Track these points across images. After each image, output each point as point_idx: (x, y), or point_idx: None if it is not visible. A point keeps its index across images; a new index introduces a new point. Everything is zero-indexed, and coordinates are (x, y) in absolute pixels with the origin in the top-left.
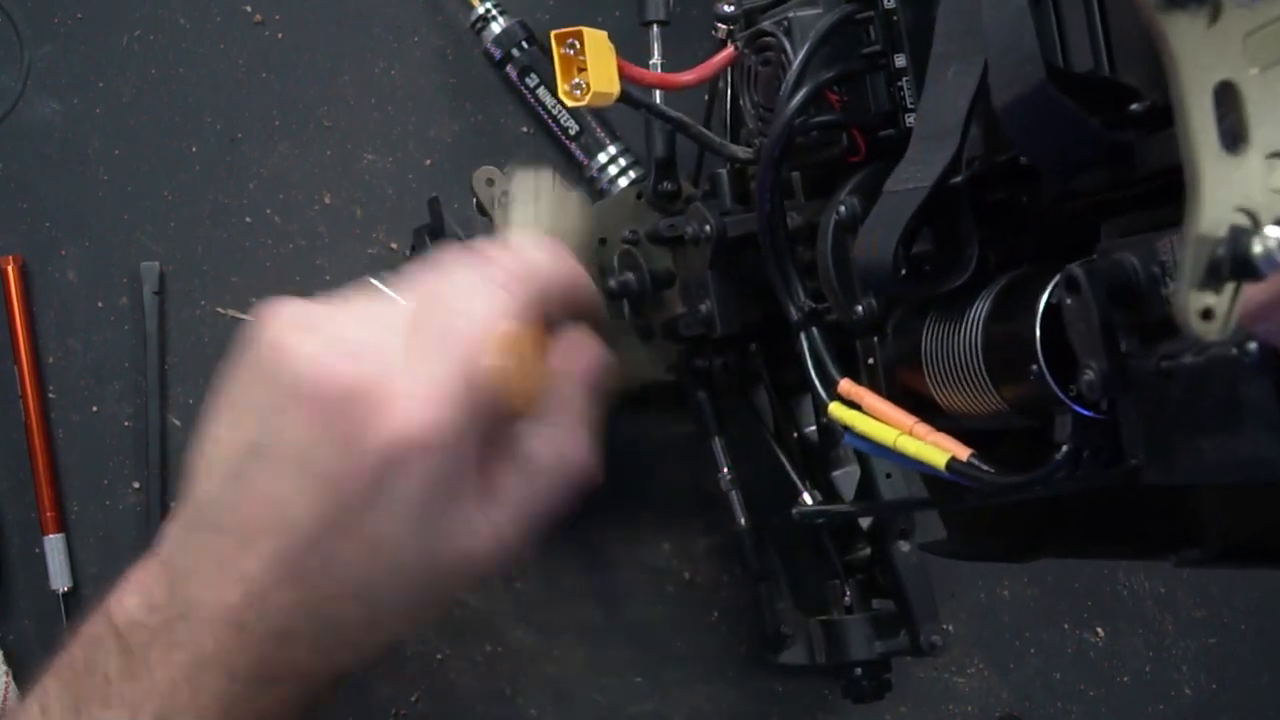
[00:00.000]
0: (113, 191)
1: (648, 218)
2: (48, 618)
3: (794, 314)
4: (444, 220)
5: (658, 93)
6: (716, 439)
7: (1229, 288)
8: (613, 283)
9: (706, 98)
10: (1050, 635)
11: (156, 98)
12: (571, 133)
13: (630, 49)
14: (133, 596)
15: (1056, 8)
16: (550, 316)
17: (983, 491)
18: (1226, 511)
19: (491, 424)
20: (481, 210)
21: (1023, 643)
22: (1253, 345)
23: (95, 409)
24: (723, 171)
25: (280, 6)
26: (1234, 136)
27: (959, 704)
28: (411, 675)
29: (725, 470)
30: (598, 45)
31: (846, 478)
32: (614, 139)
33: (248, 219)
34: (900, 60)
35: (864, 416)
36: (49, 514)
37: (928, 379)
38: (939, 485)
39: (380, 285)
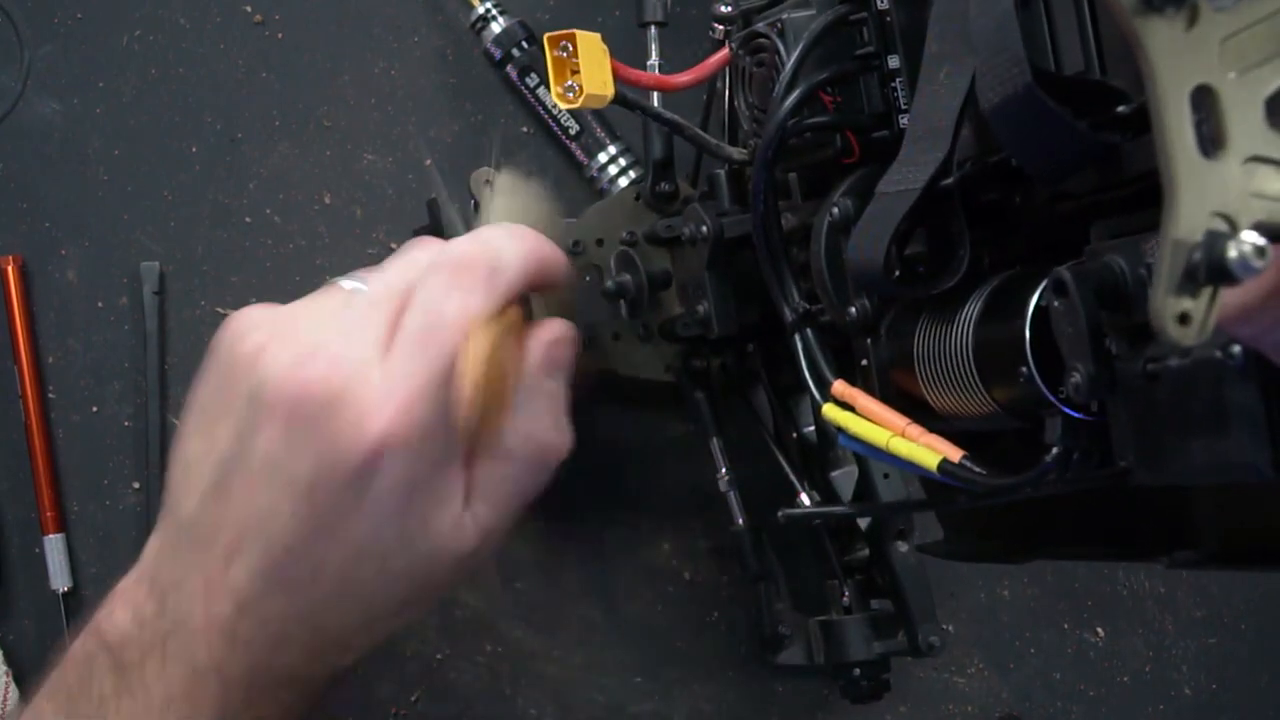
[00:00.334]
0: (113, 191)
1: (646, 219)
2: (48, 618)
3: (788, 315)
4: (443, 220)
5: (655, 94)
6: (715, 439)
7: (1205, 293)
8: (610, 283)
9: (705, 98)
10: (1050, 635)
11: (156, 98)
12: (572, 133)
13: (629, 49)
14: (122, 613)
15: (1047, 9)
16: (522, 297)
17: (975, 493)
18: (1220, 513)
19: (465, 423)
20: (480, 211)
21: (1023, 643)
22: (1236, 348)
23: (95, 409)
24: (720, 172)
25: (280, 6)
26: (1211, 141)
27: (959, 704)
28: (411, 675)
29: (723, 470)
30: (591, 48)
31: (845, 478)
32: (614, 139)
33: (248, 219)
34: (894, 61)
35: (857, 418)
36: (49, 514)
37: (920, 380)
38: (935, 486)
39: (348, 283)
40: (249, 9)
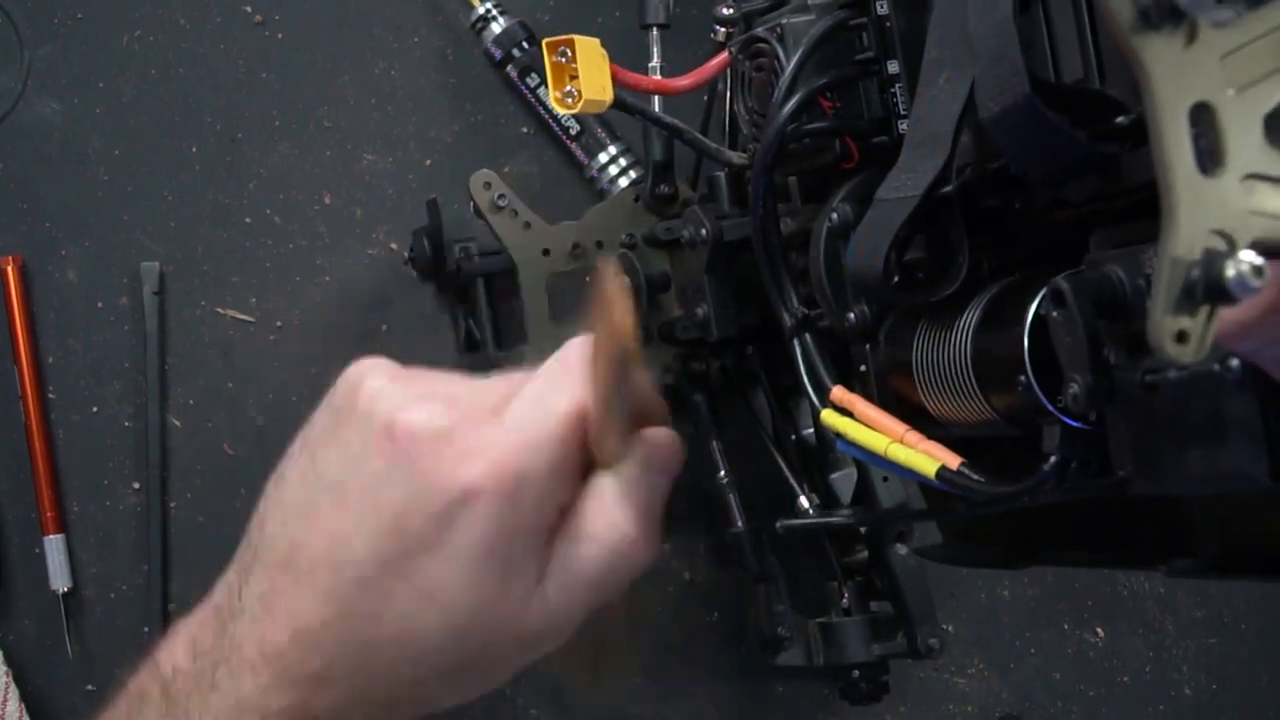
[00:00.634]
0: (113, 191)
1: (645, 221)
2: (48, 618)
3: (787, 320)
4: (441, 222)
5: (655, 98)
6: (714, 441)
7: (1203, 311)
8: None
9: (705, 101)
10: (1050, 635)
11: (156, 98)
12: (572, 133)
13: (630, 51)
14: (182, 646)
15: (1046, 17)
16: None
17: (973, 500)
18: (1218, 521)
19: (568, 481)
20: (479, 214)
21: (1023, 643)
22: (1234, 361)
23: (95, 409)
24: (720, 175)
25: (280, 6)
26: (1210, 157)
27: (959, 704)
28: None
29: (723, 472)
30: (589, 53)
31: (844, 480)
32: (614, 139)
33: (248, 219)
34: (893, 67)
35: (855, 424)
36: (49, 514)
37: (918, 387)
38: (933, 492)
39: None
40: (249, 9)
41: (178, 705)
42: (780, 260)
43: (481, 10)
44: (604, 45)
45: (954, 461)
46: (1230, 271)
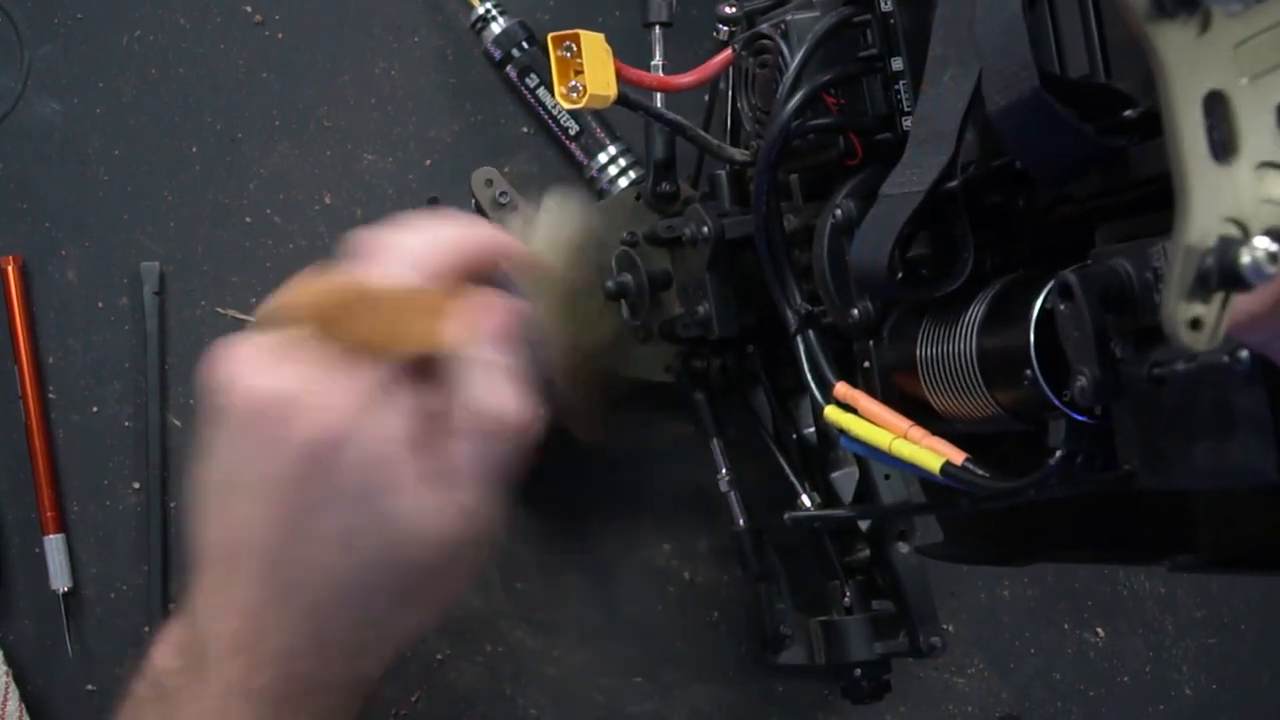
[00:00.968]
0: (113, 191)
1: (646, 219)
2: (48, 618)
3: (790, 317)
4: None
5: (658, 94)
6: (715, 440)
7: (1217, 298)
8: (610, 284)
9: (707, 99)
10: (1050, 635)
11: (156, 98)
12: (572, 133)
13: (632, 49)
14: (169, 646)
15: (1053, 12)
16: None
17: (977, 496)
18: (1220, 517)
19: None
20: (480, 211)
21: (1023, 643)
22: (1244, 353)
23: (95, 409)
24: (722, 173)
25: (280, 6)
26: (1223, 146)
27: (959, 704)
28: (412, 675)
29: (724, 471)
30: (594, 48)
31: (846, 479)
32: (614, 139)
33: (248, 219)
34: (897, 63)
35: (859, 420)
36: (49, 514)
37: (923, 383)
38: (936, 488)
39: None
40: (249, 9)
41: (173, 704)
42: (783, 257)
43: (481, 10)
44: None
45: (958, 457)
46: (1245, 258)
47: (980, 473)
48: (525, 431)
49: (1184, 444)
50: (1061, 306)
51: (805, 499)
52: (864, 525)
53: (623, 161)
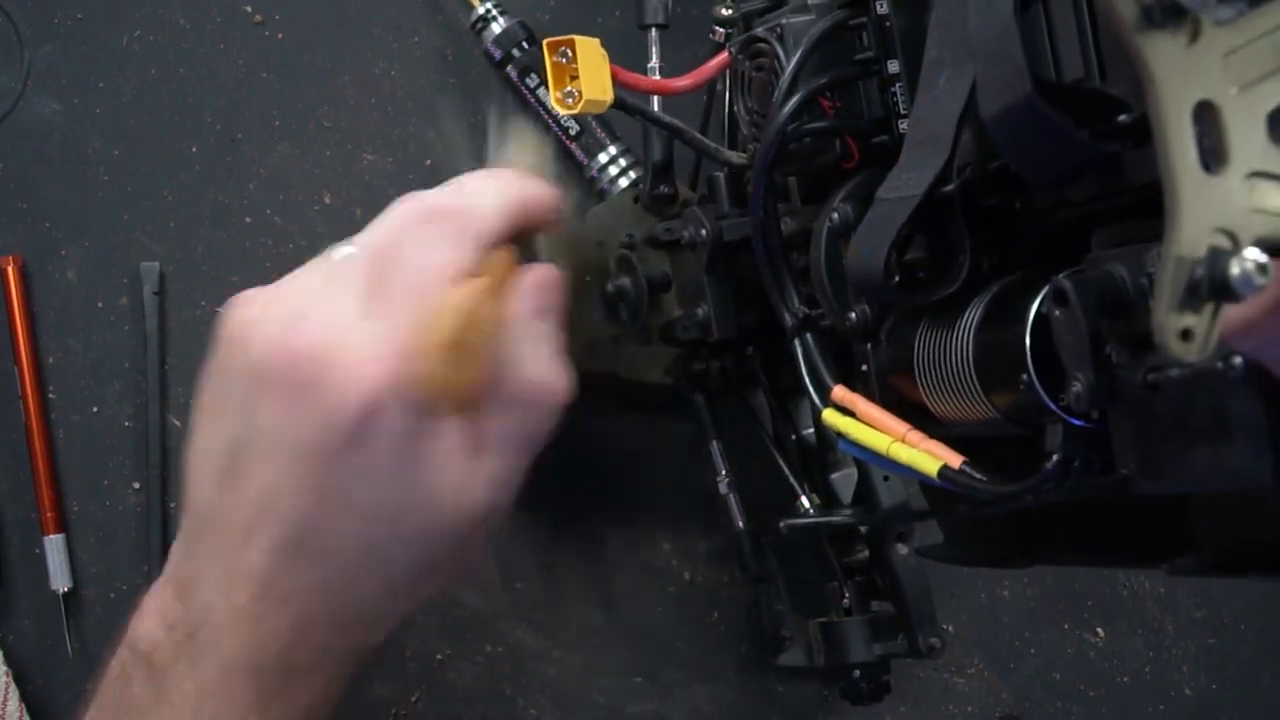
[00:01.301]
0: (113, 191)
1: (645, 221)
2: (48, 618)
3: (788, 320)
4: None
5: (654, 98)
6: (714, 442)
7: (1208, 309)
8: (610, 287)
9: (704, 101)
10: (1050, 635)
11: (156, 98)
12: (572, 133)
13: (630, 51)
14: (151, 619)
15: (1047, 15)
16: (517, 237)
17: (975, 500)
18: (1219, 520)
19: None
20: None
21: (1023, 643)
22: (1237, 360)
23: (95, 409)
24: (720, 175)
25: (280, 6)
26: (1213, 156)
27: (959, 704)
28: (411, 675)
29: (723, 474)
30: (590, 53)
31: (845, 480)
32: (614, 139)
33: (248, 219)
34: (893, 66)
35: (857, 423)
36: (49, 514)
37: (920, 386)
38: (935, 492)
39: (339, 249)
40: (249, 9)
41: (164, 679)
42: (781, 260)
43: (481, 10)
44: (604, 45)
45: (956, 460)
46: (1235, 269)
47: (978, 476)
48: (562, 402)
49: (1179, 449)
50: (1056, 312)
51: (804, 500)
52: (863, 527)
53: (623, 161)
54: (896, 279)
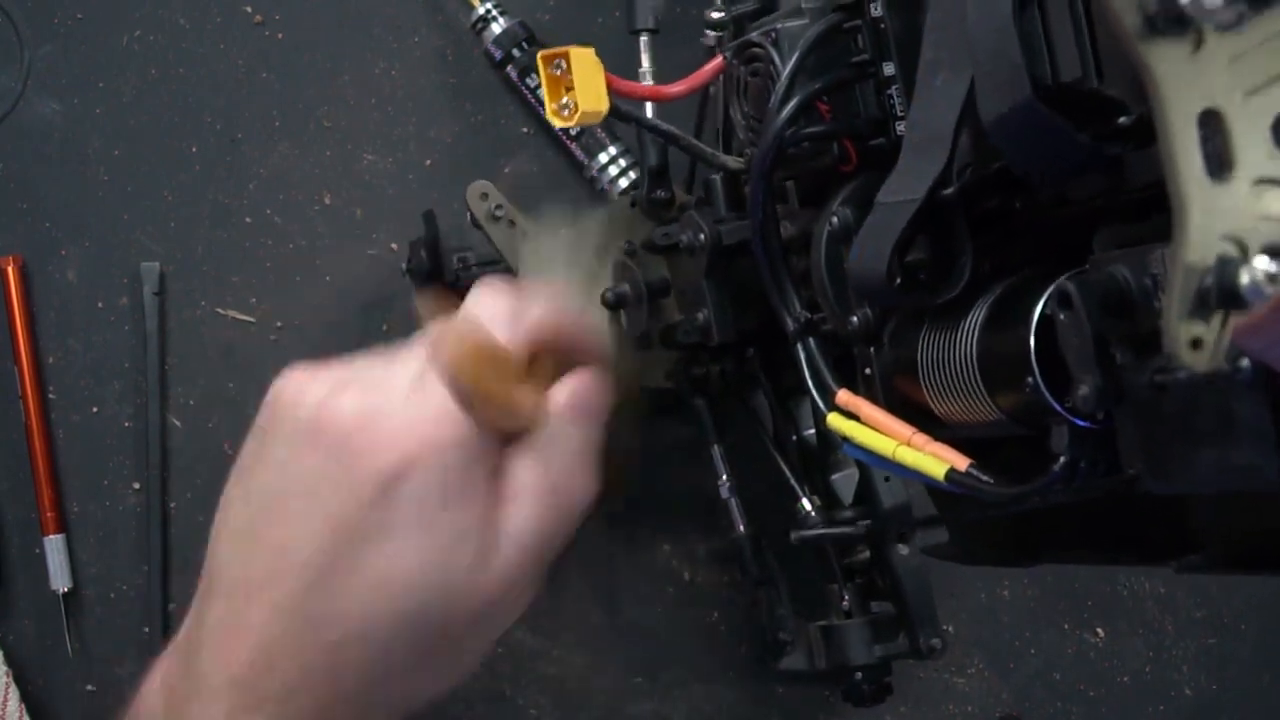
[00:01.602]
0: (113, 191)
1: (643, 226)
2: (48, 618)
3: (790, 324)
4: (439, 233)
5: (648, 103)
6: (715, 446)
7: (1217, 317)
8: (609, 294)
9: (698, 105)
10: (1050, 635)
11: (156, 98)
12: (572, 133)
13: (630, 53)
14: (155, 684)
15: (1044, 16)
16: (552, 358)
17: (982, 501)
18: (1226, 518)
19: (488, 449)
20: (476, 224)
21: (1023, 643)
22: (1244, 361)
23: (95, 409)
24: (716, 178)
25: (280, 6)
26: (1219, 163)
27: (959, 704)
28: None
29: (724, 478)
30: (585, 64)
31: (846, 481)
32: (614, 140)
33: (248, 219)
34: (889, 68)
35: (862, 427)
36: (49, 514)
37: (924, 389)
38: (938, 493)
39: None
40: (249, 9)
41: None
42: (781, 264)
43: (481, 10)
44: (603, 47)
45: (962, 463)
46: (1244, 279)
47: (984, 478)
48: (586, 511)
49: (1187, 449)
50: (1061, 315)
51: (805, 503)
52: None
53: (623, 162)
54: (899, 282)
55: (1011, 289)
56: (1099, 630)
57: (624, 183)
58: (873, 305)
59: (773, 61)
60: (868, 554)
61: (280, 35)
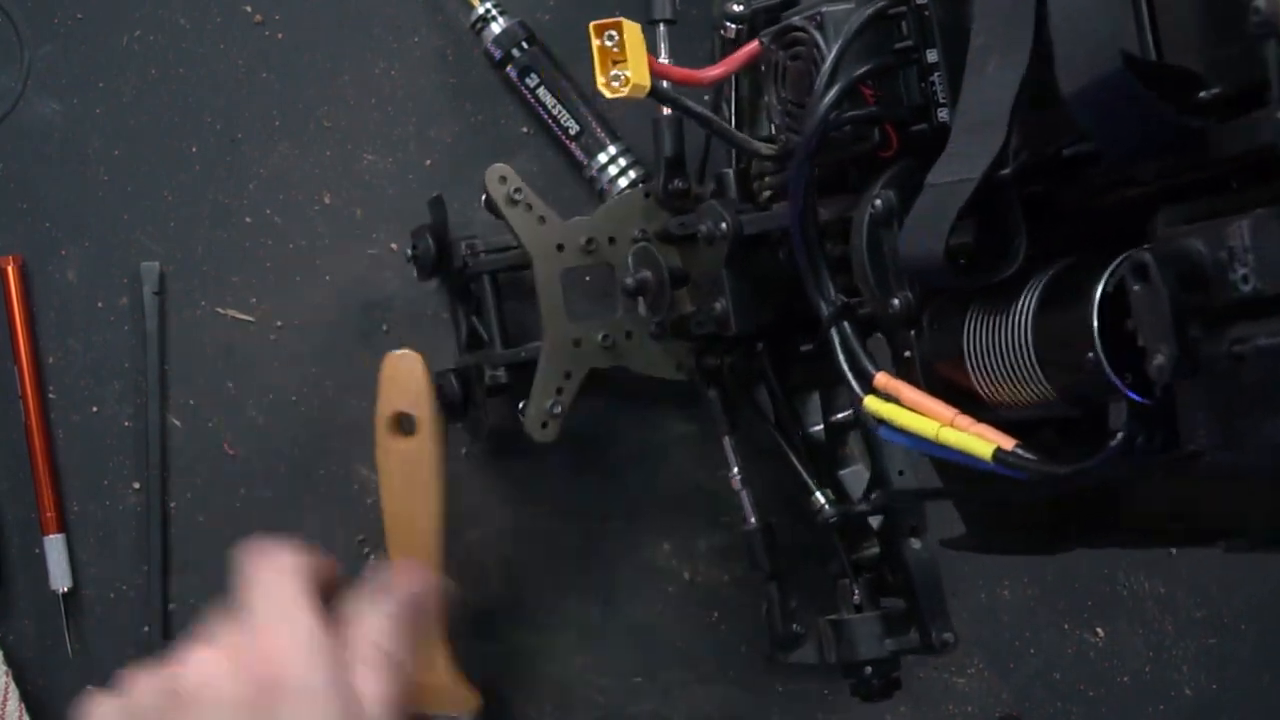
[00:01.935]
0: (113, 191)
1: (656, 217)
2: (48, 618)
3: (825, 309)
4: (446, 219)
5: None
6: (727, 438)
7: None
8: (630, 280)
9: (712, 94)
10: (1050, 635)
11: (156, 98)
12: (571, 133)
13: None
14: None
15: None
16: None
17: (1031, 481)
18: (1273, 497)
19: None
20: (491, 208)
21: (1023, 643)
22: None
23: (95, 409)
24: (729, 171)
25: (280, 6)
26: None
27: (959, 704)
28: None
29: (736, 470)
30: (635, 37)
31: (854, 476)
32: (614, 139)
33: (248, 219)
34: (932, 55)
35: (901, 410)
36: (49, 514)
37: (971, 371)
38: (954, 480)
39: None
40: (249, 9)
41: None
42: (818, 249)
43: (481, 10)
44: None
45: (1009, 443)
46: None
47: (1033, 457)
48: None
49: (1261, 421)
50: (1135, 287)
51: (819, 496)
52: (874, 522)
53: (623, 161)
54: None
55: (1067, 269)
56: (1099, 630)
57: (623, 182)
58: (913, 288)
59: (816, 45)
60: (877, 549)
61: (280, 35)
